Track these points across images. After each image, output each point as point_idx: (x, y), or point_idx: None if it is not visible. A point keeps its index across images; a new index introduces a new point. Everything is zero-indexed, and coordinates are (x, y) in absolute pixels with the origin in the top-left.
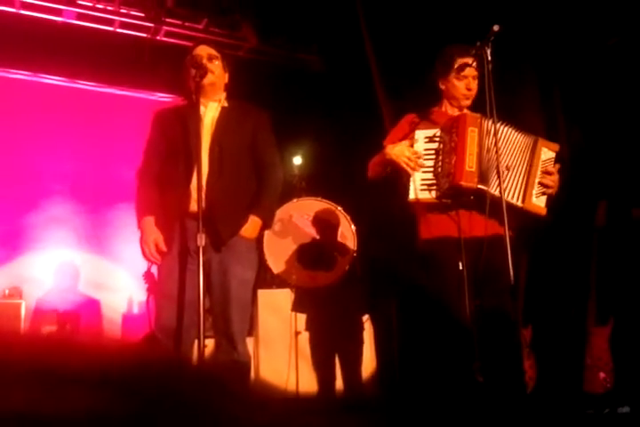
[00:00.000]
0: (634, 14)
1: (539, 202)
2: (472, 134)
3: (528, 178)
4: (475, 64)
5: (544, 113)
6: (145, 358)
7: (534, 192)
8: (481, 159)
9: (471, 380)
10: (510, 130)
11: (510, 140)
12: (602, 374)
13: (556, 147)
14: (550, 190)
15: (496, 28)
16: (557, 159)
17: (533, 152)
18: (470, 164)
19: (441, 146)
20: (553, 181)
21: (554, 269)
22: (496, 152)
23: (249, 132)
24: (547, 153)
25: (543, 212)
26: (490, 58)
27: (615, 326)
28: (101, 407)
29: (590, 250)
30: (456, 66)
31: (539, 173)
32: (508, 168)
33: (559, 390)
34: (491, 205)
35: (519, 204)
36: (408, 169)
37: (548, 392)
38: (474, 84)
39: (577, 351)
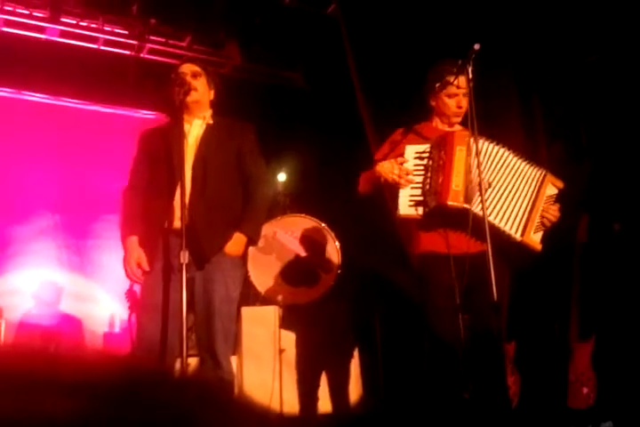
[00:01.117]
0: (612, 33)
1: (536, 237)
2: (460, 153)
3: (531, 212)
4: (457, 82)
5: (525, 129)
6: (130, 369)
7: (534, 227)
8: (468, 178)
9: (457, 396)
10: (515, 158)
11: (512, 168)
12: (585, 390)
13: (561, 184)
14: (546, 226)
15: (477, 46)
16: (558, 198)
17: (539, 186)
18: (457, 183)
19: (430, 162)
20: (554, 217)
21: (537, 284)
22: (478, 172)
23: (234, 147)
24: (551, 189)
25: (539, 248)
26: (471, 76)
27: (598, 342)
28: (86, 417)
29: (572, 265)
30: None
31: (541, 208)
32: (490, 185)
33: (543, 405)
34: (478, 224)
35: (518, 237)
36: (398, 185)
37: (532, 408)
38: (465, 102)
39: (560, 367)
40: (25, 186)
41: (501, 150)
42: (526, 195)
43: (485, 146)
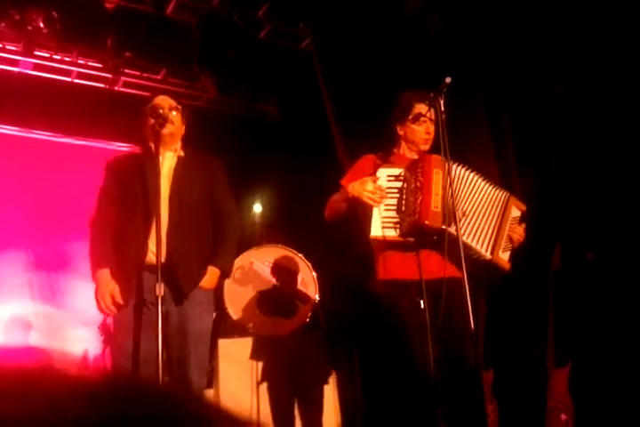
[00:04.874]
0: (580, 66)
1: (504, 256)
2: (437, 176)
3: (499, 231)
4: (429, 114)
5: (498, 160)
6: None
7: (502, 247)
8: (445, 201)
9: (435, 426)
10: (481, 180)
11: (480, 191)
12: (563, 416)
13: (524, 206)
14: (513, 246)
15: (448, 79)
16: (522, 219)
17: (505, 208)
18: (436, 204)
19: (404, 185)
20: (520, 237)
21: (512, 311)
22: (451, 196)
23: (207, 181)
24: (515, 211)
25: (508, 267)
26: (443, 108)
27: (574, 368)
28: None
29: (547, 292)
30: (413, 113)
31: (507, 228)
32: (464, 214)
33: None
34: (451, 247)
35: (488, 255)
36: (371, 203)
37: None
38: (432, 128)
39: (538, 394)
40: None
41: (470, 174)
42: (494, 216)
43: (459, 170)
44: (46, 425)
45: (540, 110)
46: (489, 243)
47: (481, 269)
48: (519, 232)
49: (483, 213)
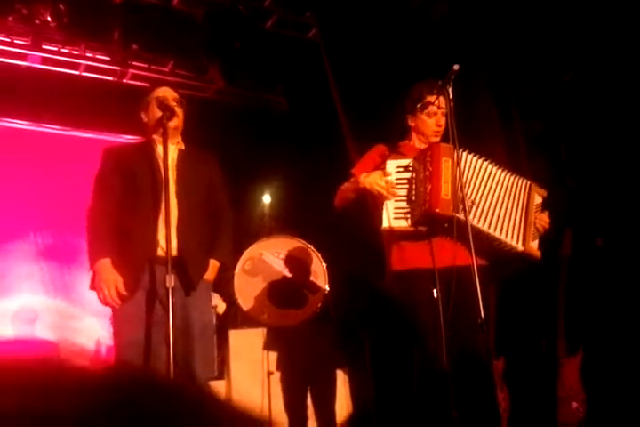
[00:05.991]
0: (587, 52)
1: (534, 245)
2: (446, 164)
3: (526, 221)
4: (437, 102)
5: (507, 146)
6: (129, 375)
7: (531, 236)
8: (455, 188)
9: (446, 415)
10: (497, 169)
11: (499, 180)
12: (574, 404)
13: (544, 193)
14: (540, 233)
15: (456, 67)
16: (544, 205)
17: (528, 196)
18: (446, 192)
19: (414, 175)
20: (545, 224)
21: (523, 299)
22: (460, 179)
23: (206, 175)
24: (537, 198)
25: (539, 255)
26: (451, 96)
27: (585, 356)
28: (87, 415)
29: (558, 279)
30: (423, 103)
31: (533, 216)
32: (474, 203)
33: (533, 421)
34: (464, 235)
35: (520, 247)
36: (382, 197)
37: (523, 424)
38: (443, 120)
39: (549, 382)
40: (8, 211)
41: (485, 163)
42: (519, 206)
43: (469, 158)
44: (43, 420)
45: (549, 96)
46: (519, 234)
47: (507, 258)
48: (545, 219)
49: (507, 204)
